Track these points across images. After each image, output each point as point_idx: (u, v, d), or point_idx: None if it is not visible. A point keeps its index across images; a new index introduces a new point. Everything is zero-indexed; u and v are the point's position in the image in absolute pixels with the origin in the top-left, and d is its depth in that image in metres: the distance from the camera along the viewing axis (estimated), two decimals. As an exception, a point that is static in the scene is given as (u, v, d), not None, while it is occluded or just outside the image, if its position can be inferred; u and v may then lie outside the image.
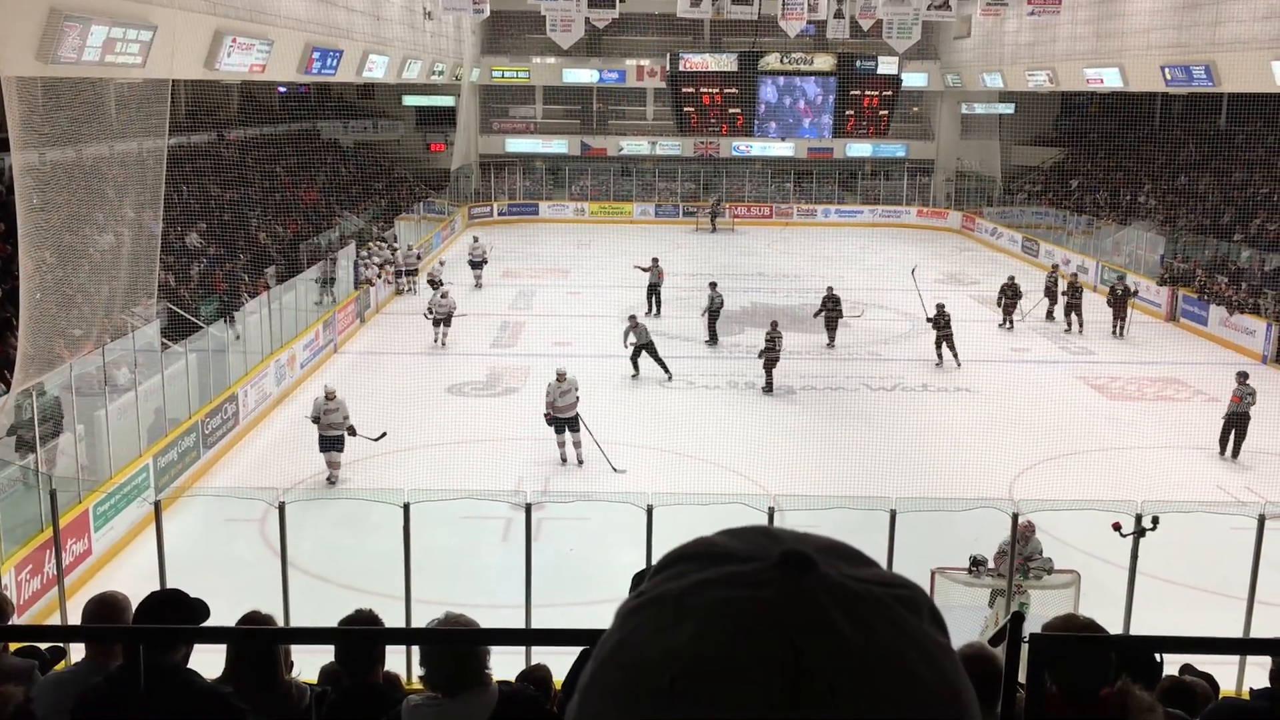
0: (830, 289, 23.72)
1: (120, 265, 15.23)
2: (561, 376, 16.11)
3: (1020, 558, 10.66)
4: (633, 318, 21.32)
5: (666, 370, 20.68)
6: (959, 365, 21.73)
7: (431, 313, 23.08)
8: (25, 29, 12.78)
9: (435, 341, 22.78)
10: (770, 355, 20.05)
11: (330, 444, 15.14)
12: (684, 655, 0.65)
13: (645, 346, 20.73)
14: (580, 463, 15.99)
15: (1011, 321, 25.84)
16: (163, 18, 15.76)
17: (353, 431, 15.22)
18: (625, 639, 0.69)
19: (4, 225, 17.94)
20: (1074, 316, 25.34)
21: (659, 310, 26.18)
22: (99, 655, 3.86)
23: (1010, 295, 25.89)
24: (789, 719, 0.63)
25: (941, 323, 21.77)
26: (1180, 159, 35.52)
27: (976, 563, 10.80)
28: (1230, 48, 25.08)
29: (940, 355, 21.90)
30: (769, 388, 20.08)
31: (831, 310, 23.39)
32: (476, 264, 29.79)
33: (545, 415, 16.11)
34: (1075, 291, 25.64)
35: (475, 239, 31.44)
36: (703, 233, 40.94)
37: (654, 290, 26.38)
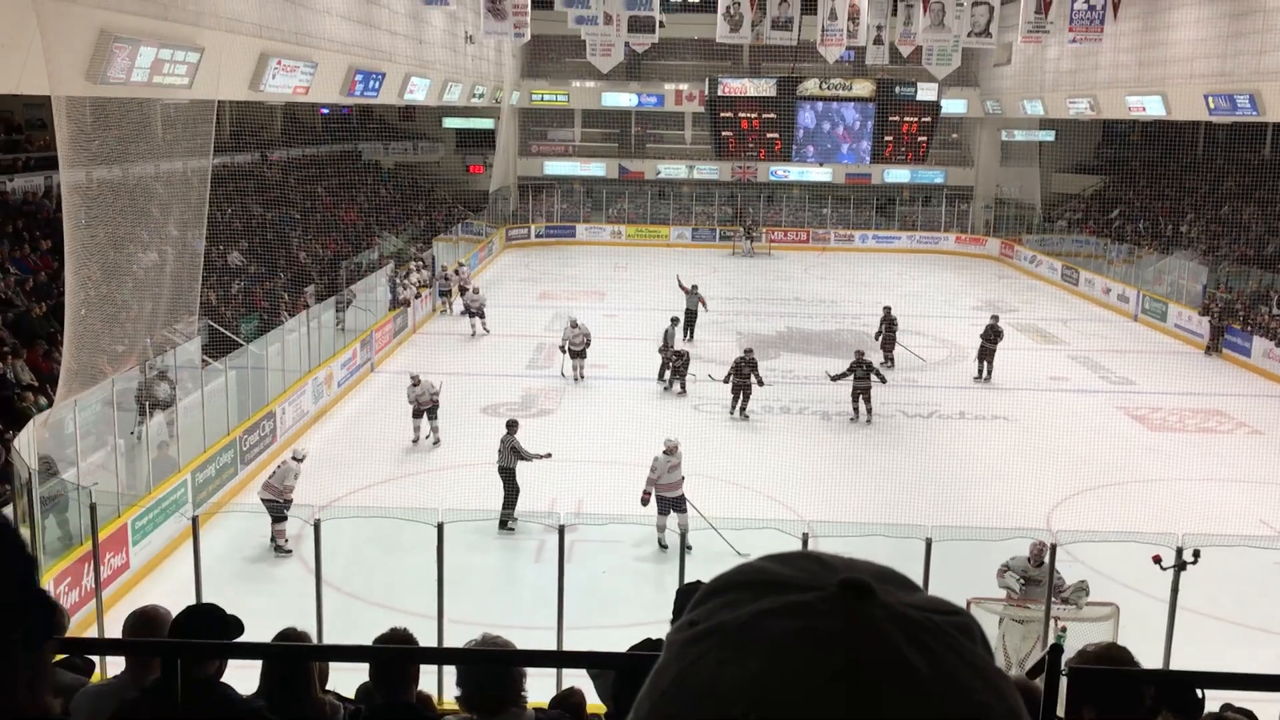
0: (670, 328, 22.23)
1: (163, 283, 15.44)
2: (672, 449, 13.94)
3: (1038, 584, 10.55)
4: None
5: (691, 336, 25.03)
6: (866, 419, 19.66)
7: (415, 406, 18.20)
8: (75, 50, 13.02)
9: (420, 439, 18.11)
10: (740, 383, 19.59)
11: (280, 511, 13.48)
12: (753, 689, 0.64)
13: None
14: (689, 549, 13.55)
15: (891, 359, 23.36)
16: (210, 40, 16.02)
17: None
18: (686, 673, 0.67)
19: (51, 242, 18.25)
20: (985, 363, 22.96)
21: (691, 335, 25.69)
22: (137, 668, 3.89)
23: (888, 329, 23.90)
24: None
25: (860, 373, 19.58)
26: (1223, 188, 35.16)
27: (1009, 569, 10.70)
28: (1275, 77, 24.82)
29: (855, 409, 19.72)
30: (744, 414, 19.60)
31: (677, 361, 21.22)
32: (475, 311, 26.65)
33: (645, 496, 13.68)
34: (994, 336, 23.02)
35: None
36: (739, 256, 40.95)
37: (691, 316, 25.93)
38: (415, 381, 18.19)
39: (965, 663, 0.67)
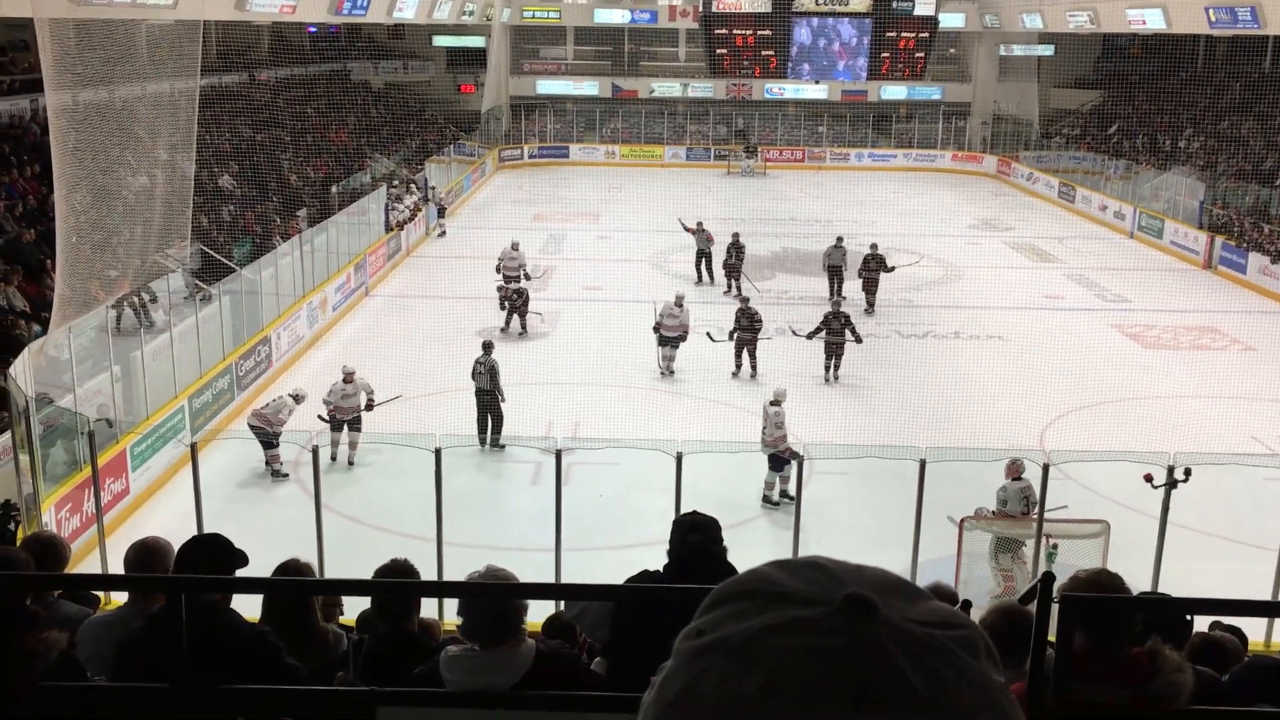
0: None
1: (154, 207, 15.31)
2: (779, 400, 12.95)
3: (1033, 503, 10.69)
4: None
5: (712, 278, 23.18)
6: (834, 377, 17.64)
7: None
8: (57, -30, 12.75)
9: (338, 456, 14.01)
10: (744, 338, 17.61)
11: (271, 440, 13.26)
12: (757, 704, 0.66)
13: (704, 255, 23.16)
14: (793, 499, 11.94)
15: (738, 287, 21.94)
16: (193, -42, 15.69)
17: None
18: (692, 684, 0.69)
19: (39, 166, 18.06)
20: (868, 294, 21.66)
21: (711, 278, 23.56)
22: (142, 599, 3.94)
23: (735, 255, 22.39)
24: None
25: (835, 327, 17.45)
26: (1223, 103, 34.82)
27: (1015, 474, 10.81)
28: (1278, -12, 24.47)
29: (826, 368, 17.66)
30: (753, 373, 17.62)
31: (516, 300, 19.75)
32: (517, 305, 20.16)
33: (785, 451, 12.62)
34: (877, 265, 21.70)
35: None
36: (737, 176, 40.62)
37: (703, 257, 23.81)
38: (348, 378, 14.00)
39: (967, 681, 0.68)
